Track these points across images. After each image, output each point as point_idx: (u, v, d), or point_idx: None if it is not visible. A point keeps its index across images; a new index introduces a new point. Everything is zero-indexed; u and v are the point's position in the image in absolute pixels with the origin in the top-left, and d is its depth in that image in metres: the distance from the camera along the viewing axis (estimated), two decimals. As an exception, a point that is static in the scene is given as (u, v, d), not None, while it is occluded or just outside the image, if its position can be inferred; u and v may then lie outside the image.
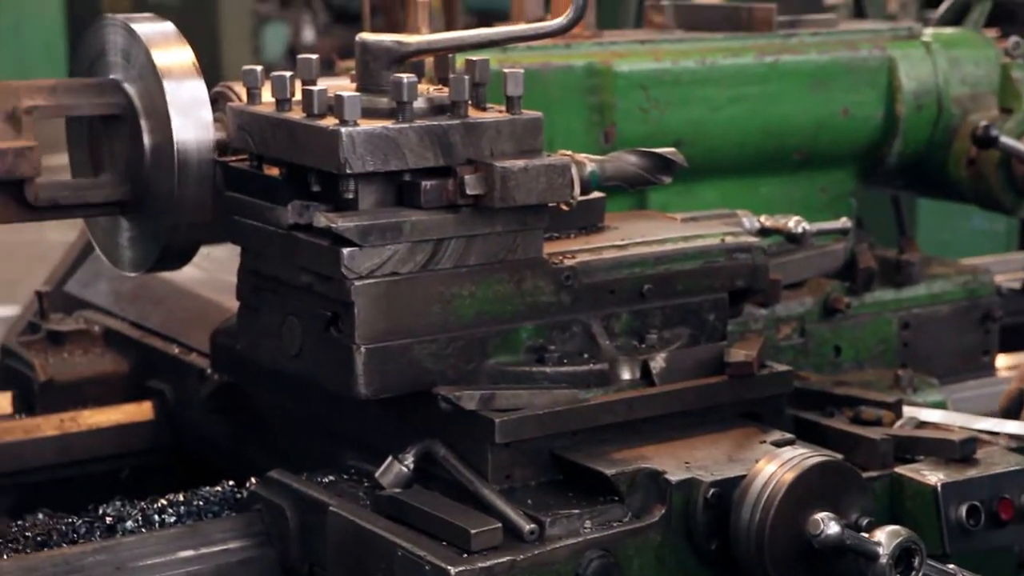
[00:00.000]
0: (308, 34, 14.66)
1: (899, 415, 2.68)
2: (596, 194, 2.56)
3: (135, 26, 2.50)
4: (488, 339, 2.37)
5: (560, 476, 2.33)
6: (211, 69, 2.61)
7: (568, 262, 2.45)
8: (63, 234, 6.57)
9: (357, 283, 2.26)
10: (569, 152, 2.45)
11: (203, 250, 2.63)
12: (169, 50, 2.49)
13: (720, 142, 3.16)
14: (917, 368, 3.17)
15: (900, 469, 2.49)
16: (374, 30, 3.47)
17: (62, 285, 3.61)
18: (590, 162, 2.45)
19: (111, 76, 2.55)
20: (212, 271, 3.27)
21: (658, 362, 2.46)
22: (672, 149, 2.55)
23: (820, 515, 2.22)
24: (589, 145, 2.96)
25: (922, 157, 3.41)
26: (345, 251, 2.26)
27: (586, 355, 2.44)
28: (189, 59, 2.49)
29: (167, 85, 2.45)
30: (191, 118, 2.46)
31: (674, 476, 2.26)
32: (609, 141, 3.04)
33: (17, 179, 2.41)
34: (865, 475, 2.36)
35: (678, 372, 2.47)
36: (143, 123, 2.50)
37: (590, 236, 2.60)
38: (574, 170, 2.38)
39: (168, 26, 2.54)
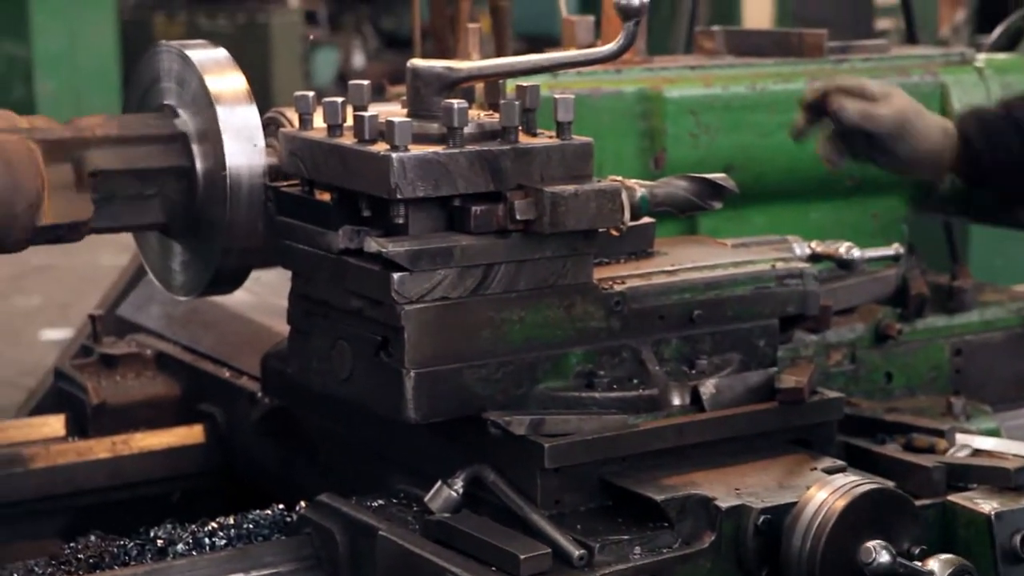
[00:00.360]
0: (358, 59, 14.74)
1: (952, 443, 2.66)
2: (646, 219, 2.56)
3: (189, 53, 2.53)
4: (538, 364, 2.37)
5: (609, 502, 2.33)
6: (262, 94, 2.63)
7: (618, 287, 2.45)
8: (115, 258, 6.63)
9: (407, 308, 2.27)
10: (619, 177, 2.45)
11: (253, 274, 2.64)
12: (222, 76, 2.51)
13: (770, 167, 3.16)
14: (970, 395, 3.14)
15: (953, 497, 2.46)
16: (424, 55, 3.48)
17: (115, 309, 3.64)
18: (640, 187, 2.45)
19: (165, 102, 2.57)
20: (262, 295, 3.29)
21: (708, 388, 2.45)
22: (722, 175, 2.55)
23: (872, 543, 2.21)
24: (639, 170, 2.96)
25: (974, 183, 3.39)
26: (395, 276, 2.26)
27: (636, 380, 2.44)
28: (242, 85, 2.51)
29: (220, 111, 2.48)
30: (243, 144, 2.48)
31: (724, 502, 2.25)
32: (659, 166, 3.03)
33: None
34: (917, 503, 2.34)
35: (728, 398, 2.46)
36: (196, 148, 2.52)
37: (640, 261, 2.60)
38: (624, 196, 2.38)
39: (221, 52, 2.56)
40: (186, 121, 2.53)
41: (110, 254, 6.95)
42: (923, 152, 2.71)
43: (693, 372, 2.49)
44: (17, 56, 11.21)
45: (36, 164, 2.39)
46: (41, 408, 3.56)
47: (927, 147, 2.71)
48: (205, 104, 2.50)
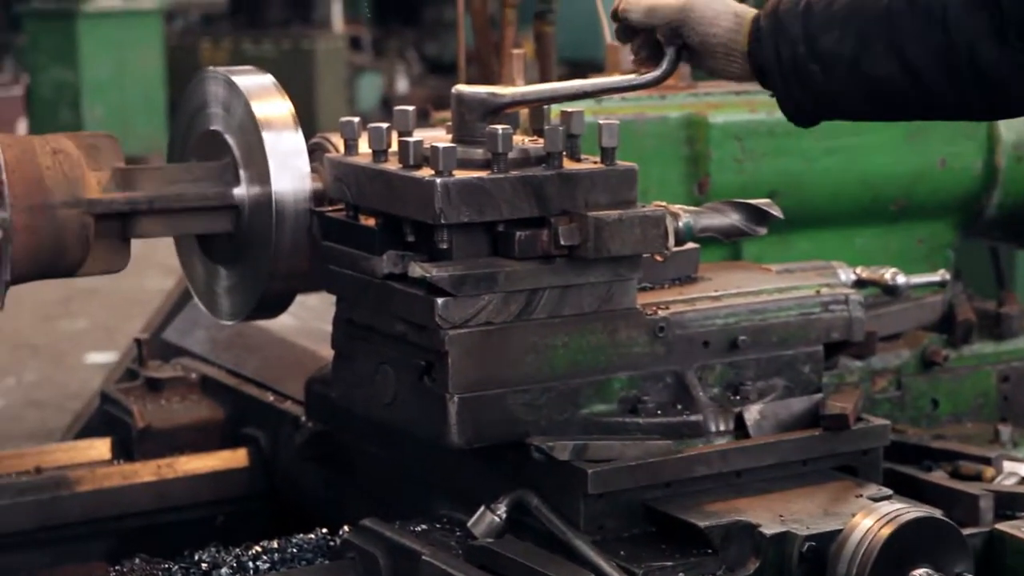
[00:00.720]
0: (402, 84, 14.79)
1: (999, 470, 2.64)
2: (690, 245, 2.56)
3: (236, 79, 2.55)
4: (581, 389, 2.37)
5: (653, 528, 2.32)
6: (306, 118, 2.65)
7: (662, 313, 2.44)
8: (160, 281, 6.67)
9: (451, 332, 2.27)
10: (663, 203, 2.45)
11: (297, 298, 2.65)
12: (269, 102, 2.53)
13: (815, 193, 3.14)
14: (1017, 422, 3.12)
15: (1000, 526, 2.44)
16: (469, 81, 3.49)
17: (160, 332, 3.66)
18: (684, 213, 2.45)
19: (211, 127, 2.59)
20: (306, 319, 3.30)
21: (752, 414, 2.44)
22: (767, 200, 2.54)
23: (918, 572, 2.19)
24: (683, 196, 2.96)
25: (1022, 208, 3.37)
26: (439, 301, 2.27)
27: (680, 406, 2.43)
28: (288, 111, 2.53)
29: (266, 136, 2.49)
30: (289, 169, 2.50)
31: (769, 529, 2.24)
32: (703, 192, 3.03)
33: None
34: (964, 532, 2.32)
35: (772, 424, 2.45)
36: (242, 173, 2.54)
37: (684, 287, 2.59)
38: (668, 221, 2.38)
39: (268, 79, 2.58)
40: (242, 188, 2.55)
41: (155, 277, 6.98)
42: (713, 39, 2.36)
43: (737, 398, 2.48)
44: (66, 82, 11.32)
45: (87, 237, 2.43)
46: (87, 431, 3.59)
47: (714, 32, 2.35)
48: (251, 130, 2.51)
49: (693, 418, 2.41)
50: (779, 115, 3.11)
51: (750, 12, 2.38)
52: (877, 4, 2.25)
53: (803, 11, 2.29)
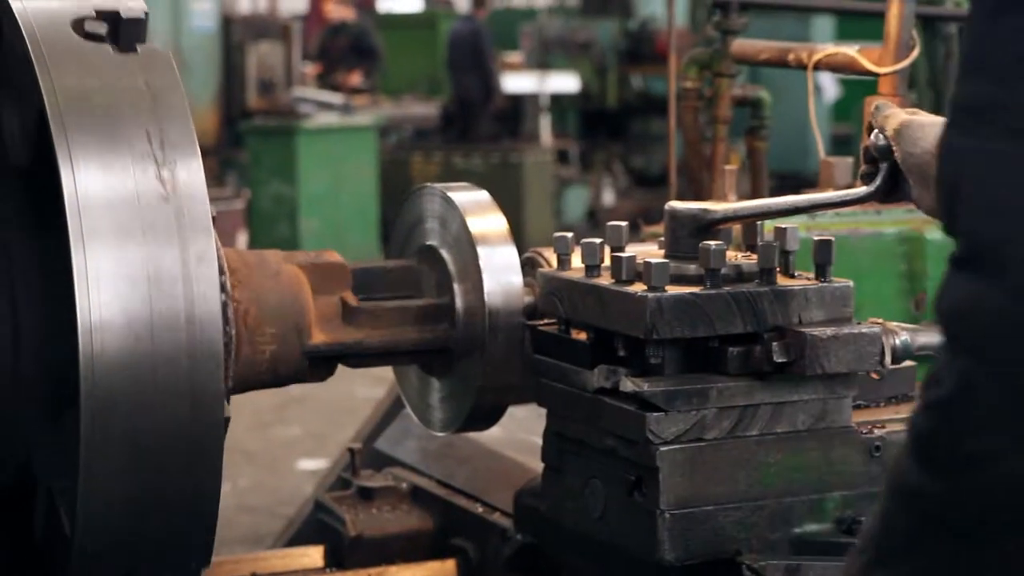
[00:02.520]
0: (608, 197, 14.89)
1: None
2: (907, 363, 2.51)
3: (452, 195, 2.60)
4: (794, 508, 2.33)
5: (868, 653, 2.25)
6: (514, 229, 2.69)
7: (878, 432, 2.40)
8: (370, 390, 6.80)
9: (662, 448, 2.26)
10: (880, 320, 2.41)
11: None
12: (484, 217, 2.58)
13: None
14: None
15: None
16: (678, 194, 3.51)
17: (371, 441, 3.71)
18: (902, 331, 2.41)
19: (428, 242, 2.64)
20: (514, 431, 3.31)
21: (973, 538, 2.37)
22: (987, 318, 2.48)
23: None
24: (900, 313, 2.91)
25: None
26: (651, 416, 2.26)
27: (896, 528, 2.37)
28: (502, 226, 2.57)
29: (481, 251, 2.54)
30: (502, 283, 2.54)
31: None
32: (920, 309, 2.98)
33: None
34: None
35: (994, 549, 2.37)
36: (456, 287, 2.58)
37: (900, 406, 2.54)
38: (885, 339, 2.35)
39: (483, 195, 2.63)
40: (457, 301, 2.59)
41: (364, 386, 7.11)
42: (910, 160, 2.19)
43: (957, 521, 2.41)
44: (284, 196, 11.67)
45: (305, 370, 2.50)
46: (299, 538, 3.65)
47: (912, 152, 2.18)
48: (466, 244, 2.56)
49: (910, 541, 2.34)
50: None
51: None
52: None
53: None
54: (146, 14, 2.20)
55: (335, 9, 14.85)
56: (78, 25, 2.18)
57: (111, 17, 2.18)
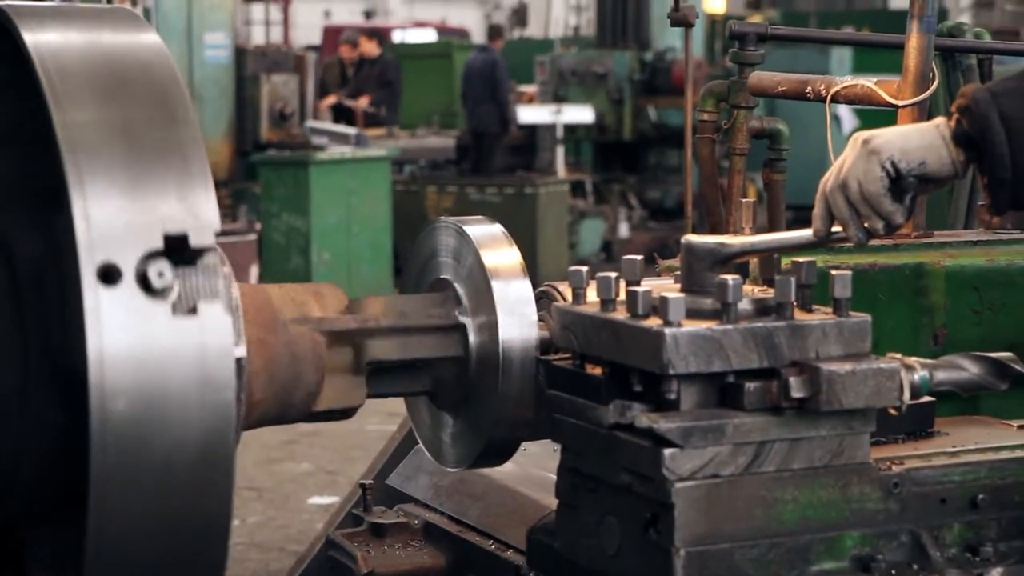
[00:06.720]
0: (623, 229, 14.88)
1: None
2: (926, 399, 2.48)
3: (466, 228, 2.58)
4: (811, 546, 2.30)
5: None
6: (528, 260, 2.67)
7: (896, 468, 2.37)
8: (381, 425, 6.77)
9: (678, 485, 2.23)
10: (898, 355, 2.38)
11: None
12: (497, 251, 2.56)
13: (1059, 346, 3.03)
14: None
15: None
16: (694, 227, 3.48)
17: (383, 478, 3.68)
18: (920, 366, 2.38)
19: (441, 276, 2.62)
20: (527, 466, 3.28)
21: (994, 577, 2.33)
22: (1008, 354, 2.45)
23: None
24: (918, 347, 2.88)
25: None
26: (666, 452, 2.23)
27: (915, 566, 2.34)
28: (516, 260, 2.55)
29: (495, 285, 2.51)
30: (516, 317, 2.51)
31: None
32: (939, 343, 2.95)
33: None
34: None
35: (1016, 589, 2.34)
36: (470, 321, 2.56)
37: (919, 442, 2.52)
38: (903, 374, 2.31)
39: (497, 228, 2.61)
40: (464, 307, 2.56)
41: (376, 422, 7.09)
42: (909, 144, 2.35)
43: (977, 559, 2.38)
44: (297, 228, 11.66)
45: (320, 358, 2.46)
46: (308, 574, 3.61)
47: (909, 137, 2.35)
48: (480, 278, 2.54)
49: (930, 580, 2.31)
50: (1020, 263, 3.03)
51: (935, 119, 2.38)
52: None
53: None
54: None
55: (365, 44, 14.95)
56: None
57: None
